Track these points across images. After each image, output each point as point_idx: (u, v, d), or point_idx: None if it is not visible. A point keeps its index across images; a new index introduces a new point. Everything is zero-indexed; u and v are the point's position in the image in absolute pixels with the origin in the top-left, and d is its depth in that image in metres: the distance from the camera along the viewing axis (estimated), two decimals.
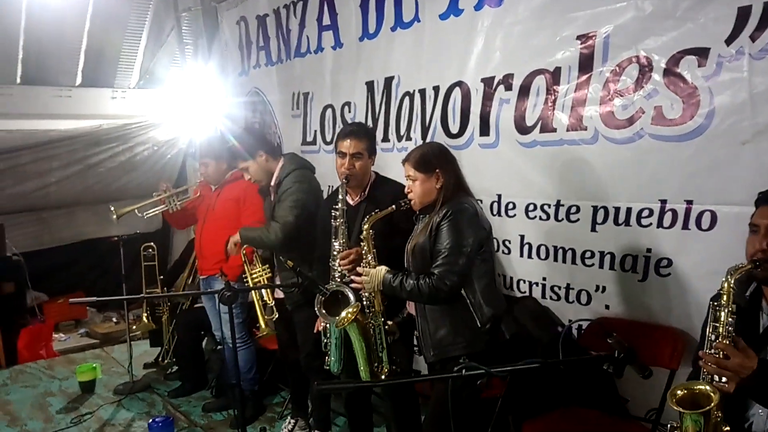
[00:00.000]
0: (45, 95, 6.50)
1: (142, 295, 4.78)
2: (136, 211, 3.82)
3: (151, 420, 3.39)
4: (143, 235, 6.21)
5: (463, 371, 1.51)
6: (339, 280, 2.75)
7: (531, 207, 3.06)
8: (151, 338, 5.07)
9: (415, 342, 2.95)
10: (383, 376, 2.56)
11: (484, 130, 3.21)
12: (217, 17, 5.64)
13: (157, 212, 4.20)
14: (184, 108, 6.64)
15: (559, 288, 3.00)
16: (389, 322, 2.63)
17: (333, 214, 2.79)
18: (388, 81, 3.78)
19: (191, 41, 6.35)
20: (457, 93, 3.33)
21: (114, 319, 7.18)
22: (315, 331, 3.00)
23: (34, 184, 6.94)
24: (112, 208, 3.79)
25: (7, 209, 6.97)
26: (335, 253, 2.77)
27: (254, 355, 3.87)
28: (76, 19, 6.03)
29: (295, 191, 3.15)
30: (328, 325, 2.79)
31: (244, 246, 3.37)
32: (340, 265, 2.71)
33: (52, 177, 6.98)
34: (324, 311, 2.72)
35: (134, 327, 4.91)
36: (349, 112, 4.11)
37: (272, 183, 3.31)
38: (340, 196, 2.79)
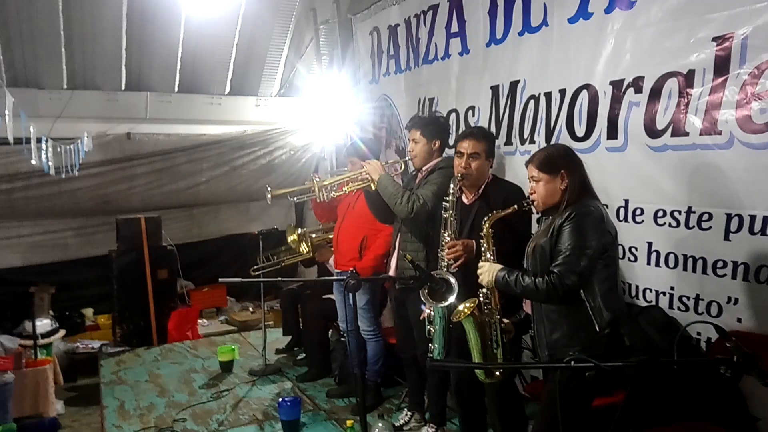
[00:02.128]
0: (198, 102, 7.22)
1: (278, 278, 5.15)
2: (288, 196, 4.06)
3: (281, 399, 3.68)
4: (279, 231, 6.64)
5: (572, 363, 1.54)
6: (445, 269, 2.86)
7: (660, 213, 2.95)
8: (283, 327, 5.46)
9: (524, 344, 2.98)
10: (497, 373, 2.61)
11: (612, 133, 3.15)
12: (352, 28, 5.95)
13: (304, 198, 4.36)
14: (318, 115, 7.08)
15: (688, 299, 2.86)
16: (505, 321, 2.67)
17: (443, 205, 2.92)
18: (514, 85, 3.81)
19: (327, 52, 6.76)
20: (584, 96, 3.30)
21: (250, 309, 7.79)
22: (420, 317, 3.10)
23: (186, 183, 7.73)
24: (269, 188, 4.08)
25: (163, 205, 7.82)
26: (443, 243, 2.89)
27: (383, 349, 4.03)
28: (226, 33, 6.65)
29: (441, 183, 3.26)
30: (432, 312, 2.90)
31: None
32: (446, 255, 2.83)
33: (202, 177, 7.74)
34: (428, 296, 2.81)
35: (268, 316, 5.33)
36: (473, 116, 4.19)
37: (425, 167, 3.44)
38: (451, 190, 2.91)
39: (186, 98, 7.10)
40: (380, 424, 3.13)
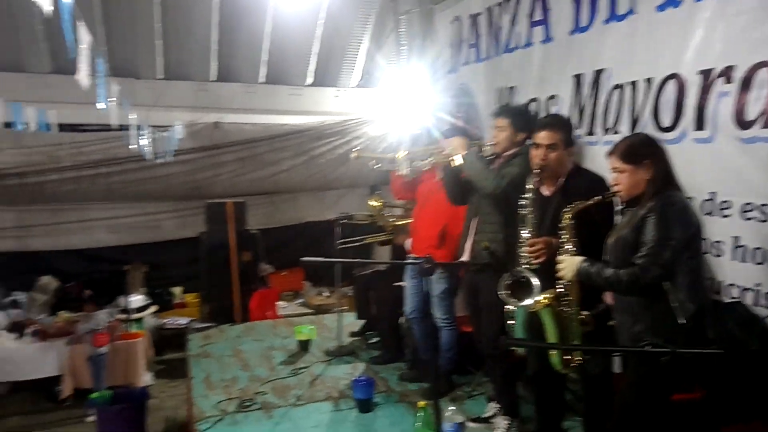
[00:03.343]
0: (282, 93, 7.50)
1: (357, 259, 5.29)
2: (372, 160, 4.15)
3: (355, 378, 3.82)
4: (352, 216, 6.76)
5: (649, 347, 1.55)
6: (524, 266, 2.84)
7: (748, 207, 2.84)
8: (357, 312, 5.62)
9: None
10: (573, 359, 2.61)
11: (699, 124, 3.05)
12: (433, 18, 5.99)
13: (386, 168, 4.40)
14: (395, 105, 7.17)
15: None
16: (585, 313, 2.66)
17: (521, 203, 2.90)
18: (597, 74, 3.74)
19: (407, 42, 6.83)
20: (671, 85, 3.20)
21: (326, 293, 8.04)
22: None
23: (268, 171, 8.04)
24: (355, 150, 4.18)
25: (247, 191, 8.18)
26: (522, 240, 2.87)
27: (456, 338, 4.08)
28: (310, 25, 6.86)
29: (524, 167, 3.23)
30: (513, 308, 2.90)
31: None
32: (526, 253, 2.81)
33: (283, 166, 8.03)
34: (508, 293, 2.83)
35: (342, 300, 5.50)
36: (555, 105, 4.15)
37: (507, 152, 3.44)
38: (529, 186, 2.89)
39: (270, 89, 7.38)
40: (452, 409, 3.19)
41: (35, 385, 6.48)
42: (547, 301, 2.60)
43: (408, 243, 4.51)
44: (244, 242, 7.08)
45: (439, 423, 2.69)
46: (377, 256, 7.06)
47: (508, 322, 2.96)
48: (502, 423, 3.43)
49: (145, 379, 6.41)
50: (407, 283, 4.33)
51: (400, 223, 4.83)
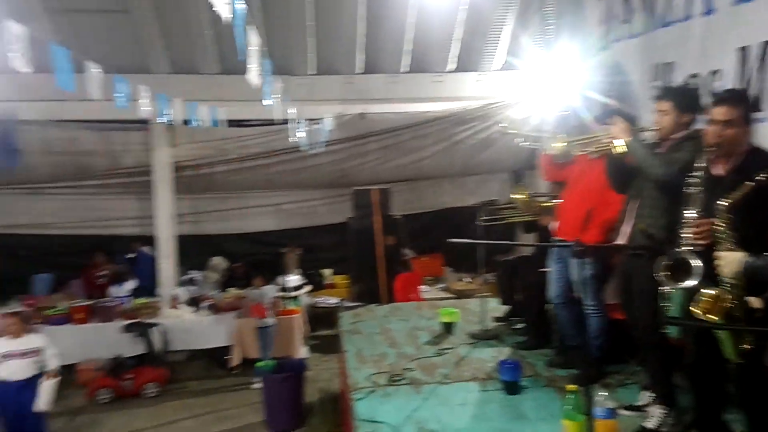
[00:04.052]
0: (424, 81, 7.64)
1: (504, 241, 5.28)
2: (520, 137, 4.12)
3: (501, 360, 3.86)
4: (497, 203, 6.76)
5: None
6: (687, 248, 2.67)
7: None
8: (500, 297, 5.62)
9: None
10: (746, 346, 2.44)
11: None
12: None
13: (535, 146, 4.32)
14: (540, 87, 6.99)
15: None
16: (751, 298, 2.48)
17: (689, 182, 2.73)
18: (765, 45, 3.41)
19: (553, 21, 6.62)
20: None
21: (467, 279, 8.11)
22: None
23: (411, 158, 8.26)
24: (503, 125, 4.17)
25: (390, 178, 8.49)
26: (686, 221, 2.70)
27: (605, 326, 3.96)
28: (452, 11, 6.89)
29: (694, 152, 3.06)
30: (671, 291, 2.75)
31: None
32: (690, 234, 2.65)
33: (425, 152, 8.20)
34: (668, 274, 2.68)
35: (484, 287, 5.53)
36: (717, 80, 3.84)
37: (675, 135, 3.28)
38: (700, 164, 2.71)
39: (413, 78, 7.55)
40: (603, 395, 3.12)
41: (209, 354, 7.32)
42: (708, 305, 2.43)
43: (554, 225, 4.42)
44: (388, 227, 7.37)
45: (589, 407, 2.65)
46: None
47: (665, 305, 2.83)
48: (657, 412, 3.28)
49: (302, 352, 6.96)
50: (552, 267, 4.26)
51: (547, 204, 4.74)
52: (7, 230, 8.45)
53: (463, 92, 7.71)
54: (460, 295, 7.46)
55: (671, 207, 3.02)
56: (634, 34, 4.80)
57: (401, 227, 7.82)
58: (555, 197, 4.52)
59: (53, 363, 4.56)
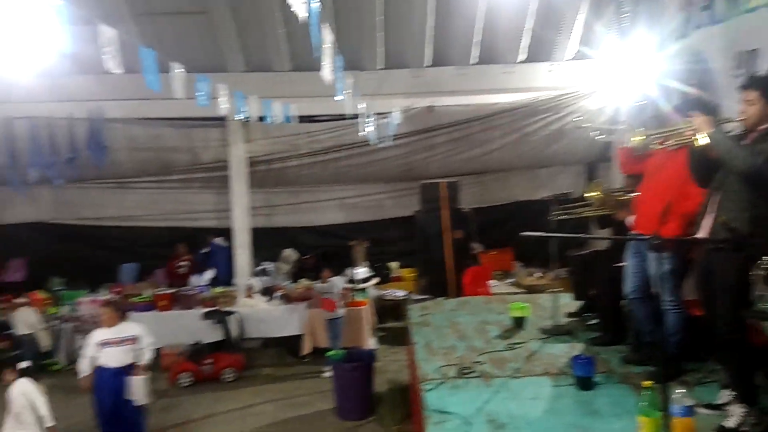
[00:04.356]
0: (493, 72, 7.54)
1: (579, 234, 5.15)
2: (592, 133, 4.03)
3: (574, 356, 3.79)
4: (571, 196, 6.63)
5: None
6: None
7: None
8: (574, 292, 5.50)
9: None
10: None
11: None
12: None
13: (608, 139, 4.20)
14: (615, 76, 6.77)
15: None
16: None
17: None
18: None
19: (629, 9, 6.39)
20: None
21: (538, 274, 7.98)
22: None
23: (479, 150, 8.20)
24: (577, 118, 4.05)
25: (458, 171, 8.45)
26: None
27: (683, 322, 3.82)
28: (522, 1, 6.76)
29: None
30: None
31: None
32: None
33: (494, 144, 8.12)
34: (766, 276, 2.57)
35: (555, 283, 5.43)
36: None
37: (762, 126, 3.14)
38: None
39: (482, 69, 7.47)
40: (681, 392, 3.02)
41: (281, 342, 7.57)
42: None
43: (630, 219, 4.29)
44: (456, 221, 7.35)
45: (666, 404, 2.58)
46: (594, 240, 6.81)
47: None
48: (737, 411, 3.14)
49: (370, 343, 7.07)
50: (627, 262, 4.14)
51: (623, 198, 4.59)
52: (97, 222, 9.04)
53: (534, 83, 7.56)
54: (531, 290, 7.35)
55: (755, 200, 2.89)
56: (715, 20, 4.59)
57: (470, 221, 7.77)
58: (631, 191, 4.38)
59: (147, 355, 4.74)
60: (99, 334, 4.66)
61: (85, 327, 7.28)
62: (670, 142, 3.43)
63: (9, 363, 6.63)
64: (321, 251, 8.88)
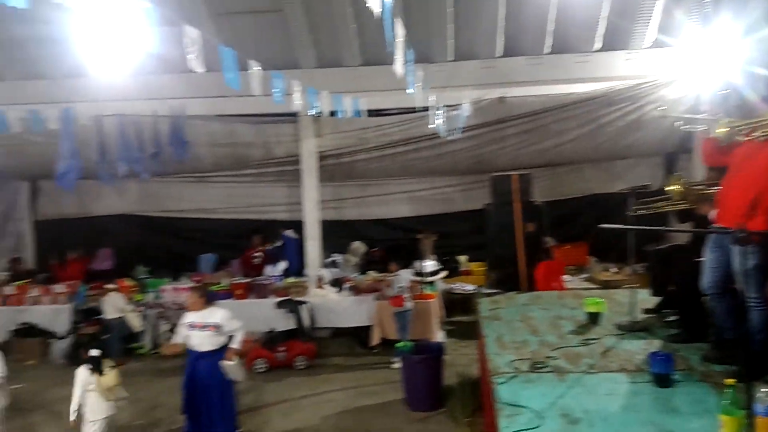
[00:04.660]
0: (568, 62, 7.34)
1: (661, 227, 4.93)
2: (676, 123, 3.89)
3: (652, 352, 3.67)
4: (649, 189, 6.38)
5: None
6: None
7: None
8: (652, 288, 5.31)
9: None
10: None
11: None
12: None
13: (694, 129, 4.03)
14: (695, 65, 6.46)
15: None
16: None
17: None
18: None
19: None
20: None
21: (613, 269, 7.74)
22: None
23: (552, 142, 8.02)
24: (660, 108, 3.92)
25: (529, 164, 8.30)
26: None
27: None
28: None
29: None
30: None
31: None
32: None
33: (568, 136, 7.92)
34: None
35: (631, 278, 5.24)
36: None
37: None
38: None
39: (556, 59, 7.29)
40: (765, 391, 2.88)
41: (350, 333, 7.71)
42: None
43: (713, 213, 4.10)
44: (528, 214, 7.23)
45: (749, 403, 2.47)
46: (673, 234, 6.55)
47: None
48: None
49: (439, 336, 7.08)
50: (707, 256, 3.96)
51: (706, 191, 4.39)
52: (178, 214, 9.52)
53: (611, 72, 7.31)
54: (606, 285, 7.15)
55: None
56: None
57: (542, 214, 7.62)
58: (714, 184, 4.18)
59: (237, 338, 4.86)
60: (188, 316, 4.89)
61: (167, 313, 7.71)
62: (758, 133, 3.27)
63: (98, 346, 7.16)
64: (388, 244, 8.97)
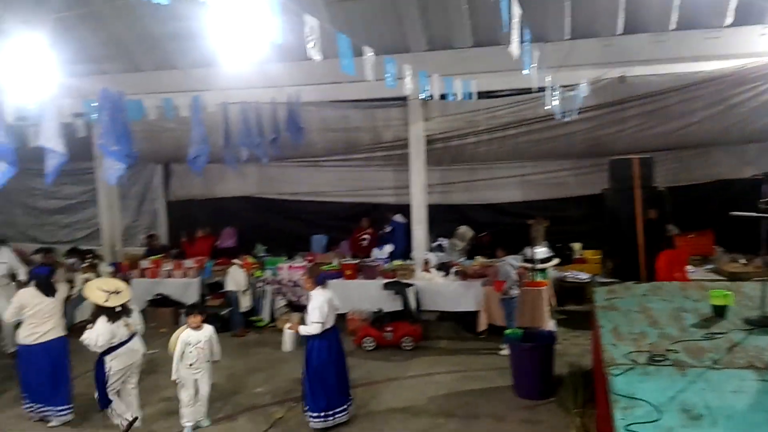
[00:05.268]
0: (695, 38, 6.84)
1: None
2: None
3: None
4: None
5: None
6: None
7: None
8: None
9: None
10: None
11: None
12: None
13: None
14: None
15: None
16: None
17: None
18: None
19: None
20: None
21: (742, 260, 7.17)
22: None
23: (677, 124, 7.51)
24: None
25: (650, 147, 7.83)
26: None
27: None
28: None
29: None
30: None
31: None
32: None
33: (694, 117, 7.38)
34: None
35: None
36: None
37: None
38: None
39: (682, 35, 6.82)
40: None
41: (456, 317, 7.73)
42: None
43: None
44: (650, 200, 6.84)
45: None
46: None
47: None
48: None
49: (550, 325, 6.92)
50: None
51: None
52: (293, 197, 9.98)
53: (743, 48, 6.73)
54: (733, 277, 6.63)
55: None
56: None
57: (665, 200, 7.17)
58: None
59: (311, 317, 4.92)
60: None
61: (283, 290, 8.15)
62: None
63: (222, 318, 7.71)
64: (496, 229, 8.85)
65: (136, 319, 5.19)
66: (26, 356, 5.24)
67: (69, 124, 6.79)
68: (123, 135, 4.96)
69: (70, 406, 5.30)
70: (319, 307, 4.85)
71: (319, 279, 5.01)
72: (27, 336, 5.18)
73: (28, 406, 5.32)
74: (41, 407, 5.26)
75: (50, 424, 5.26)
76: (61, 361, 5.27)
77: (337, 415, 5.01)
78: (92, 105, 5.85)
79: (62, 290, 5.53)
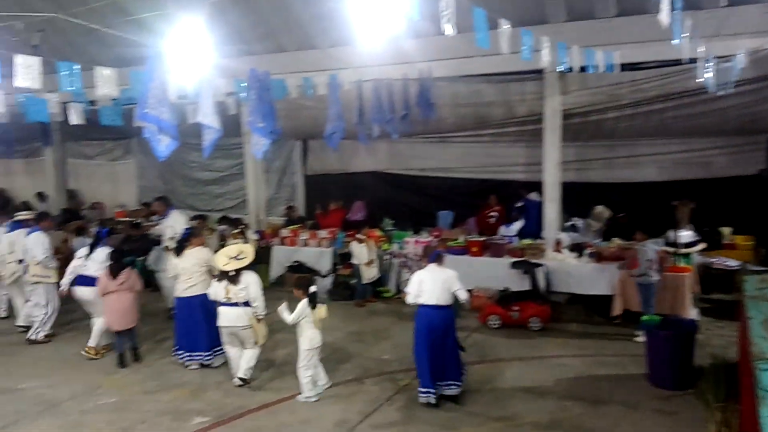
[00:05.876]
0: None
1: None
2: None
3: None
4: None
5: None
6: None
7: None
8: None
9: None
10: None
11: None
12: None
13: None
14: None
15: None
16: None
17: None
18: None
19: None
20: None
21: None
22: None
23: None
24: None
25: None
26: None
27: None
28: None
29: None
30: None
31: None
32: None
33: None
34: None
35: None
36: None
37: None
38: None
39: None
40: None
41: (588, 300, 7.44)
42: None
43: None
44: None
45: None
46: None
47: None
48: None
49: (692, 313, 6.46)
50: None
51: None
52: (420, 173, 10.10)
53: None
54: None
55: None
56: None
57: None
58: None
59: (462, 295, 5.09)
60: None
61: (409, 263, 8.33)
62: None
63: (350, 287, 8.07)
64: (636, 210, 8.33)
65: (250, 294, 5.43)
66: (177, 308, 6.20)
67: (221, 103, 7.38)
68: (268, 113, 5.31)
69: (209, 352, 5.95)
70: (416, 281, 5.09)
71: (431, 257, 5.21)
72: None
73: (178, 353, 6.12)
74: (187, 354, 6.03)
75: (191, 367, 5.98)
76: (198, 314, 5.90)
77: (422, 395, 4.99)
78: (242, 84, 6.32)
79: (198, 253, 6.07)
